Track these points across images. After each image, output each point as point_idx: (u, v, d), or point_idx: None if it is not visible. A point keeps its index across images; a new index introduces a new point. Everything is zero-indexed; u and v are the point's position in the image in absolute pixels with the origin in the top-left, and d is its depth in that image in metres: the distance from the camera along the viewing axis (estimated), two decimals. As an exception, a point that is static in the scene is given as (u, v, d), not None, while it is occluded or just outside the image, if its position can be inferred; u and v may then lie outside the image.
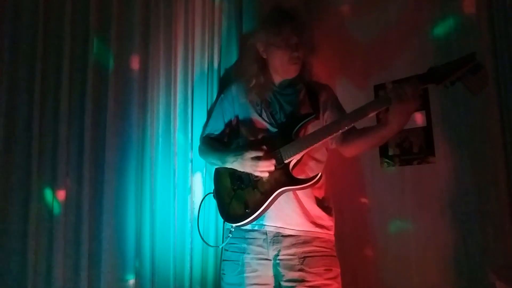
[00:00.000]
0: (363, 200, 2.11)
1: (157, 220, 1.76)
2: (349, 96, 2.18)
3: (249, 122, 1.74)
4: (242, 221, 1.58)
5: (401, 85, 1.45)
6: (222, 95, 1.91)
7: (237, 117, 1.81)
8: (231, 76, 2.09)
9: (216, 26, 2.09)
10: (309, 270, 1.54)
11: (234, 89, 1.86)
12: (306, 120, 1.64)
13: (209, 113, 1.95)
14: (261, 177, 1.58)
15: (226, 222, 1.69)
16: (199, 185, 1.95)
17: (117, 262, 1.62)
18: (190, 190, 1.89)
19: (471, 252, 1.74)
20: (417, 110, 1.95)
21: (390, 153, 2.02)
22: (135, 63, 1.76)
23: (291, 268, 1.56)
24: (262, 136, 1.69)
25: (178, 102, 1.91)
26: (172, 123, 1.86)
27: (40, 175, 1.48)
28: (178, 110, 1.90)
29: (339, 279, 1.59)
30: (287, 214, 1.60)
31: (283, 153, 1.57)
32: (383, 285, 1.98)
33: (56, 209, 1.50)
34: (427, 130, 1.91)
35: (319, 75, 1.86)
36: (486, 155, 1.72)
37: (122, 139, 1.70)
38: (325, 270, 1.55)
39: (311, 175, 1.60)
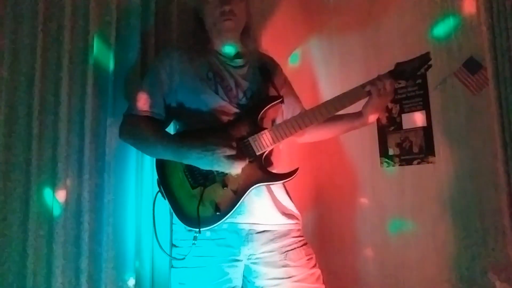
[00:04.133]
0: (363, 200, 2.11)
1: (157, 220, 1.75)
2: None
3: (202, 101, 1.46)
4: (212, 224, 1.36)
5: (380, 79, 1.46)
6: (156, 62, 1.55)
7: (180, 92, 1.49)
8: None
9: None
10: (293, 264, 1.43)
11: (174, 56, 1.52)
12: (273, 103, 1.49)
13: (140, 86, 1.54)
14: (229, 173, 1.38)
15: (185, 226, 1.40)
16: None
17: (117, 262, 1.62)
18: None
19: (471, 252, 1.74)
20: (418, 110, 1.95)
21: (390, 153, 2.02)
22: (134, 63, 1.75)
23: (273, 265, 1.42)
24: (219, 120, 1.44)
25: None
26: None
27: (40, 175, 1.48)
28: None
29: (317, 264, 1.50)
30: (259, 209, 1.43)
31: (254, 144, 1.41)
32: (383, 285, 1.98)
33: (56, 209, 1.50)
34: (427, 130, 1.91)
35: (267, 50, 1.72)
36: (486, 155, 1.72)
37: (122, 139, 1.70)
38: (307, 260, 1.46)
39: (282, 166, 1.49)
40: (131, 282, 1.64)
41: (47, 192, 1.50)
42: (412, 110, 1.97)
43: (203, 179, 1.38)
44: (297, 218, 1.53)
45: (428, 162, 1.90)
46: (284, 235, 1.47)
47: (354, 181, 2.13)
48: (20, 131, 1.46)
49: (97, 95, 1.63)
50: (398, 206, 1.98)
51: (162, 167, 1.44)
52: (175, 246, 1.48)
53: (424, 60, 1.50)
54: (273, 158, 1.52)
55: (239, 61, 1.57)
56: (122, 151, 1.69)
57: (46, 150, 1.50)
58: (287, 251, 1.45)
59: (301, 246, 1.48)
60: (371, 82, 1.47)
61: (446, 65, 1.85)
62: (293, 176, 1.44)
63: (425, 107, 1.92)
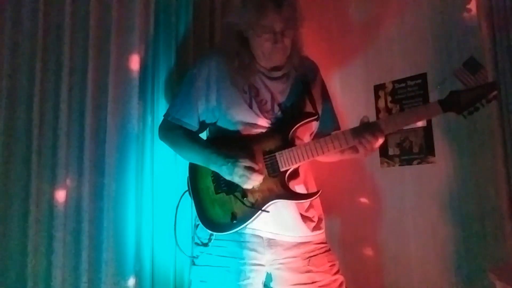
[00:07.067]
0: (363, 200, 2.11)
1: (157, 220, 1.76)
2: (350, 95, 2.19)
3: (236, 113, 1.47)
4: (226, 231, 1.41)
5: (372, 133, 1.39)
6: (194, 70, 1.55)
7: (216, 101, 1.49)
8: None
9: (217, 25, 2.09)
10: (316, 269, 1.44)
11: (213, 64, 1.51)
12: (307, 120, 1.48)
13: (177, 93, 1.60)
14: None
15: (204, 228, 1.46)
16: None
17: (117, 262, 1.62)
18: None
19: (471, 252, 1.74)
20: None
21: (390, 153, 2.02)
22: (135, 63, 1.76)
23: (297, 270, 1.44)
24: (251, 132, 1.47)
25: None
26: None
27: (40, 175, 1.48)
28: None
29: (340, 270, 1.52)
30: (285, 221, 1.45)
31: (280, 159, 1.41)
32: (383, 285, 1.98)
33: (56, 209, 1.50)
34: (427, 130, 1.91)
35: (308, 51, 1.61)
36: (486, 155, 1.72)
37: (122, 139, 1.70)
38: (330, 266, 1.48)
39: (307, 185, 1.51)
40: (131, 282, 1.64)
41: (47, 192, 1.50)
42: (412, 110, 1.97)
43: (226, 186, 1.43)
44: (321, 228, 1.54)
45: (428, 162, 1.90)
46: (307, 241, 1.48)
47: (354, 181, 2.13)
48: (20, 131, 1.47)
49: (97, 95, 1.63)
50: (398, 206, 1.98)
51: (194, 167, 1.50)
52: (197, 244, 1.50)
53: (488, 88, 1.37)
54: (300, 175, 1.50)
55: (277, 73, 1.53)
56: (122, 151, 1.69)
57: (46, 150, 1.51)
58: (310, 257, 1.46)
59: (324, 252, 1.50)
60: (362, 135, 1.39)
61: (446, 65, 1.85)
62: (313, 198, 1.46)
63: (425, 107, 1.92)
